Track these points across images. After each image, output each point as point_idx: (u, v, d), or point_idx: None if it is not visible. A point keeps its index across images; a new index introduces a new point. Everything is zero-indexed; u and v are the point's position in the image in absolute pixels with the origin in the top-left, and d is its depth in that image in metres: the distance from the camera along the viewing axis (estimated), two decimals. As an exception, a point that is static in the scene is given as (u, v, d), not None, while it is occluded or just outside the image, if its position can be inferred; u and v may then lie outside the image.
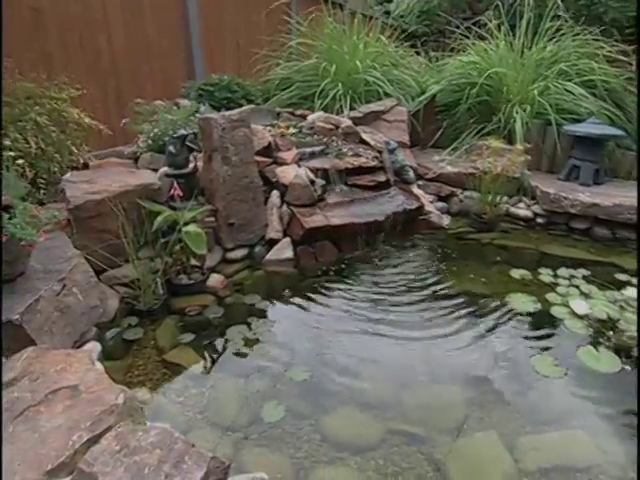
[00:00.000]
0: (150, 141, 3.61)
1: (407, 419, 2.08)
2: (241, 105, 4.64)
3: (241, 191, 3.30)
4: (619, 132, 4.61)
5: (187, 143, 3.19)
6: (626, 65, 5.29)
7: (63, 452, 1.45)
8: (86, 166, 3.42)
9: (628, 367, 2.45)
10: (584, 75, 5.01)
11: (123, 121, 3.74)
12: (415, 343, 2.62)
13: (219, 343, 2.54)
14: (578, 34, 5.34)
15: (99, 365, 2.08)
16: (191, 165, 3.24)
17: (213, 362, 2.41)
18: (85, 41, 4.06)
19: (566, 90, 4.85)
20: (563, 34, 5.33)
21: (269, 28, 5.84)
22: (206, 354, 2.46)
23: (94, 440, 1.47)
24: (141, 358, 2.43)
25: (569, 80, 4.95)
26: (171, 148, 3.11)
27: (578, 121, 4.70)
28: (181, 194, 2.92)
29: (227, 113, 3.26)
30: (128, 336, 2.58)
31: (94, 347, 2.37)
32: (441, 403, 2.21)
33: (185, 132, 3.15)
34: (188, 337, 2.58)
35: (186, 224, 2.87)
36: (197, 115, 3.76)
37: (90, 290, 2.51)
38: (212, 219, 3.24)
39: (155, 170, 3.37)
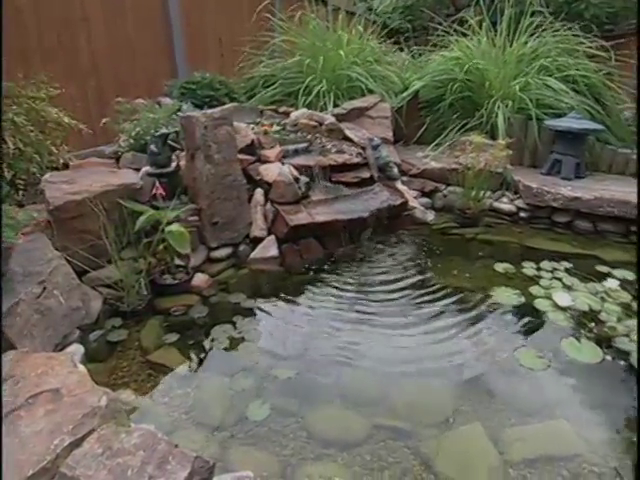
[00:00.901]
0: (131, 140, 3.57)
1: (393, 414, 2.09)
2: (224, 103, 4.60)
3: (224, 189, 3.27)
4: (599, 127, 4.68)
5: (169, 142, 3.16)
6: (605, 61, 5.37)
7: (44, 457, 1.43)
8: (66, 166, 3.37)
9: (609, 357, 2.49)
10: (564, 70, 5.06)
11: (103, 120, 3.69)
12: (400, 338, 2.63)
13: (204, 343, 2.53)
14: (558, 30, 5.39)
15: (82, 368, 2.05)
16: (173, 164, 3.22)
17: (198, 362, 2.39)
18: (64, 40, 4.00)
19: (547, 85, 4.90)
20: (544, 30, 5.38)
21: (252, 25, 5.80)
22: (191, 354, 2.44)
23: (76, 443, 1.45)
24: (125, 359, 2.41)
25: (550, 75, 5.01)
26: (153, 147, 3.07)
27: (559, 116, 4.75)
28: (163, 193, 2.88)
29: (209, 111, 3.24)
30: (112, 338, 2.56)
31: (76, 349, 2.34)
32: (427, 397, 2.23)
33: (167, 131, 3.12)
34: (173, 337, 2.56)
35: (169, 223, 2.84)
36: (179, 114, 3.72)
37: (72, 292, 2.48)
38: (196, 218, 3.21)
39: (137, 170, 3.33)
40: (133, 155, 3.53)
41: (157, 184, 2.89)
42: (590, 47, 5.28)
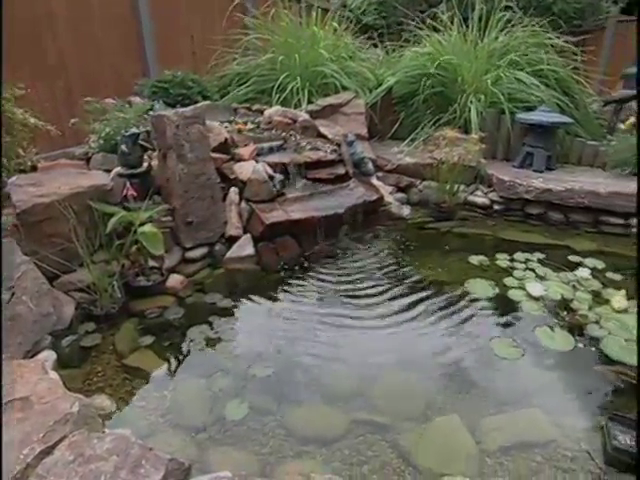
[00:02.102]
0: (102, 141, 3.49)
1: (372, 409, 2.10)
2: (197, 102, 4.55)
3: (198, 189, 3.24)
4: (568, 119, 4.78)
5: (140, 142, 3.10)
6: (573, 55, 5.48)
7: (14, 467, 1.39)
8: (34, 168, 3.28)
9: (581, 344, 2.55)
10: (534, 65, 5.15)
11: (72, 121, 3.60)
12: (377, 333, 2.65)
13: (180, 344, 2.50)
14: (527, 25, 5.48)
15: (53, 374, 2.00)
16: (145, 164, 3.16)
17: (175, 364, 2.36)
18: (29, 38, 3.89)
19: (518, 79, 4.98)
20: (513, 25, 5.46)
21: (225, 23, 5.73)
22: (167, 356, 2.41)
23: (47, 451, 1.42)
24: (100, 364, 2.37)
25: (520, 70, 5.09)
26: (123, 147, 3.02)
27: (530, 109, 4.84)
28: (135, 194, 2.84)
29: (180, 110, 3.20)
30: (86, 342, 2.50)
31: (48, 356, 2.29)
32: (404, 391, 2.25)
33: (137, 130, 3.07)
34: (148, 340, 2.53)
35: (142, 224, 2.80)
36: (151, 113, 3.66)
37: (42, 297, 2.42)
38: (169, 218, 3.17)
39: (108, 171, 3.26)
40: (104, 156, 3.45)
41: (128, 185, 2.84)
42: (559, 42, 5.39)
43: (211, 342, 2.51)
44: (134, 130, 3.08)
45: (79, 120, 3.62)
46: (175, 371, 2.32)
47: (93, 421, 1.69)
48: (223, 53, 5.52)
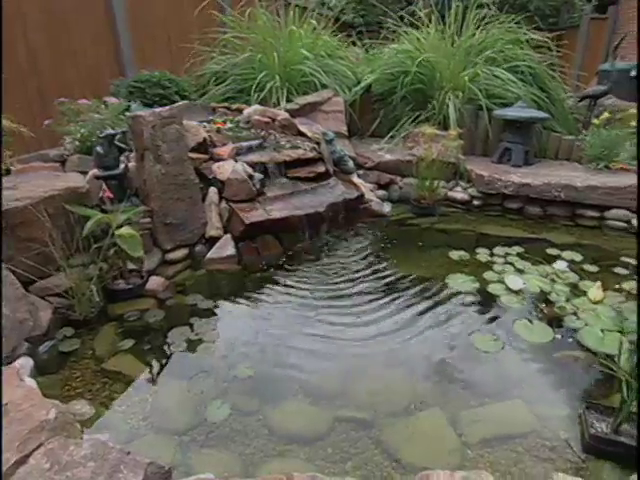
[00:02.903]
0: (77, 142, 3.44)
1: (355, 405, 2.10)
2: (174, 101, 4.51)
3: (177, 189, 3.20)
4: (545, 115, 4.86)
5: (116, 143, 3.06)
6: (548, 52, 5.57)
7: (-12, 476, 1.36)
8: (8, 172, 3.21)
9: (559, 336, 2.59)
10: (510, 61, 5.22)
11: (46, 122, 3.53)
12: (359, 330, 2.65)
13: (161, 347, 2.47)
14: (503, 22, 5.55)
15: (30, 381, 1.96)
16: (122, 165, 3.11)
17: (155, 367, 2.33)
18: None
19: (494, 76, 5.05)
20: (489, 22, 5.52)
21: (202, 21, 5.68)
22: (148, 359, 2.38)
23: (22, 461, 1.39)
24: (79, 369, 2.32)
25: (497, 66, 5.16)
26: (99, 149, 2.97)
27: (507, 105, 4.90)
28: (111, 196, 2.80)
29: (157, 110, 3.16)
30: (64, 348, 2.46)
31: (25, 363, 2.23)
32: (387, 386, 2.25)
33: (113, 131, 3.02)
34: (128, 343, 2.49)
35: (120, 227, 2.76)
36: (127, 113, 3.61)
37: (17, 303, 2.37)
38: (148, 220, 3.13)
39: (85, 173, 3.21)
40: (80, 158, 3.40)
41: (104, 187, 2.80)
42: (534, 39, 5.47)
43: (192, 344, 2.49)
44: (110, 131, 3.03)
45: (53, 122, 3.56)
46: (156, 374, 2.29)
47: (71, 427, 1.66)
48: (200, 52, 5.47)
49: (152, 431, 1.97)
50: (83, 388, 2.20)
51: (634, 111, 5.65)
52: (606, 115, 5.60)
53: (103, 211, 2.87)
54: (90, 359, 2.39)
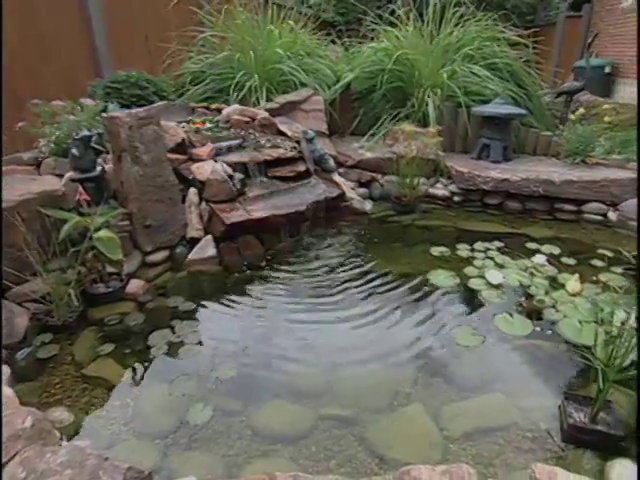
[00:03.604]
0: (52, 145, 3.38)
1: (338, 403, 2.11)
2: (152, 102, 4.45)
3: (156, 191, 3.17)
4: (522, 111, 4.93)
5: (92, 145, 3.00)
6: (524, 49, 5.65)
7: (-38, 488, 1.33)
8: (-19, 176, 3.14)
9: (538, 328, 2.63)
10: (488, 58, 5.28)
11: (19, 124, 3.46)
12: (341, 327, 2.66)
13: (142, 350, 2.44)
14: (480, 20, 5.61)
15: (6, 389, 1.92)
16: (99, 167, 3.07)
17: (136, 371, 2.30)
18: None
19: (472, 73, 5.10)
20: (467, 20, 5.57)
21: (180, 20, 5.62)
22: (128, 363, 2.35)
23: (-3, 470, 1.36)
24: (57, 376, 2.28)
25: (475, 63, 5.21)
26: (74, 151, 2.91)
27: (485, 102, 4.96)
28: (88, 199, 2.75)
29: (134, 111, 3.12)
30: (42, 354, 2.41)
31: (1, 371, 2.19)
32: (369, 383, 2.26)
33: (89, 133, 2.97)
34: (108, 348, 2.45)
35: (98, 230, 2.72)
36: (104, 115, 3.56)
37: (-8, 310, 2.32)
38: (127, 222, 3.09)
39: (61, 175, 3.15)
40: (55, 160, 3.34)
41: (80, 189, 2.75)
42: (511, 35, 5.53)
43: (174, 346, 2.46)
44: (85, 132, 2.98)
45: (28, 123, 3.48)
46: (137, 378, 2.26)
47: (48, 435, 1.63)
48: (179, 51, 5.42)
49: (134, 436, 1.95)
50: (62, 394, 2.16)
51: (608, 106, 5.78)
52: (582, 111, 5.71)
53: (80, 214, 2.82)
54: (69, 365, 2.35)
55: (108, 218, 2.82)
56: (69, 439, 1.87)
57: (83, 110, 3.66)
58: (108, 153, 3.29)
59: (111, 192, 3.18)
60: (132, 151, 3.05)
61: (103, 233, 2.70)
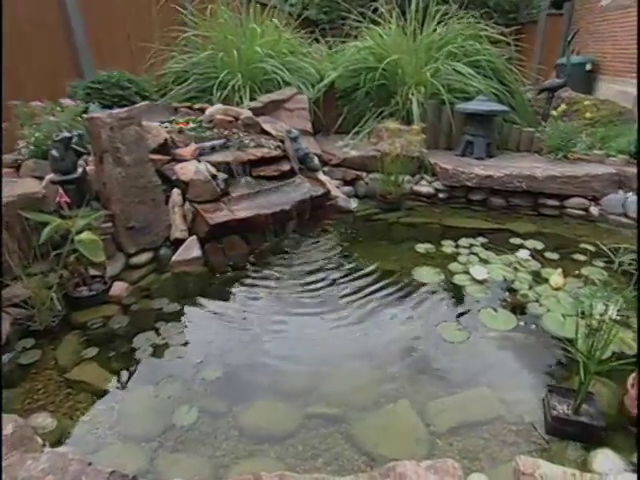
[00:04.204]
0: (32, 147, 3.32)
1: (324, 402, 2.11)
2: (135, 102, 4.42)
3: (139, 192, 3.14)
4: (505, 108, 4.97)
5: (73, 146, 2.96)
6: (507, 46, 5.70)
7: (-59, 497, 1.31)
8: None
9: (522, 323, 2.66)
10: (471, 56, 5.31)
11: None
12: (328, 326, 2.66)
13: (126, 353, 2.42)
14: (462, 17, 5.64)
15: (-13, 396, 1.90)
16: (80, 169, 3.03)
17: (121, 374, 2.28)
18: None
19: (456, 70, 5.13)
20: (450, 18, 5.60)
21: (162, 20, 5.56)
22: (113, 367, 2.32)
23: (-24, 478, 1.34)
24: (40, 381, 2.25)
25: (458, 61, 5.24)
26: (54, 152, 2.87)
27: (468, 99, 4.99)
28: (68, 201, 2.70)
29: (115, 111, 3.09)
30: (24, 360, 2.37)
31: (-18, 377, 2.16)
32: (356, 381, 2.26)
33: (69, 134, 2.93)
34: (92, 352, 2.42)
35: (79, 232, 2.68)
36: (85, 116, 3.51)
37: (-29, 316, 2.28)
38: (109, 224, 3.06)
39: (41, 178, 3.11)
40: (35, 162, 3.28)
41: (60, 191, 2.71)
42: (493, 33, 5.58)
43: (159, 349, 2.44)
44: (65, 134, 2.93)
45: (6, 125, 3.42)
46: (122, 381, 2.24)
47: (30, 442, 1.61)
48: (161, 51, 5.36)
49: (119, 440, 1.93)
50: (45, 400, 2.13)
51: (589, 103, 5.86)
52: (563, 107, 5.79)
53: (62, 217, 2.78)
54: (52, 370, 2.32)
55: (90, 220, 2.79)
56: (52, 445, 1.85)
57: (63, 111, 3.61)
58: (89, 154, 3.25)
59: (93, 194, 3.14)
60: (114, 152, 3.02)
61: (85, 235, 2.66)
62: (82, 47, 4.85)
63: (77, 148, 3.03)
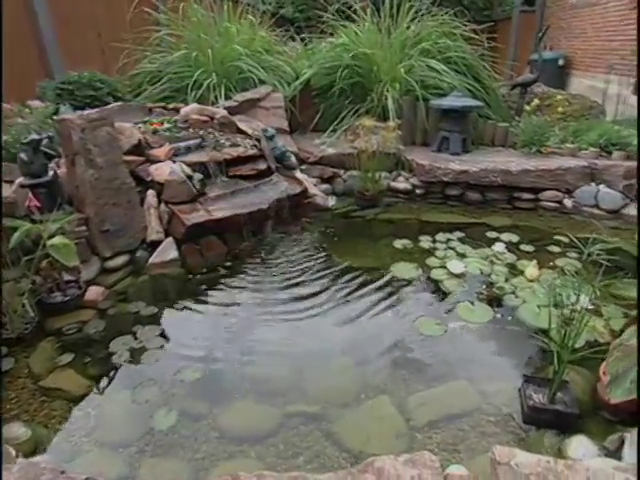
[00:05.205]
0: None
1: (304, 400, 2.11)
2: (107, 103, 4.35)
3: (113, 194, 3.08)
4: (479, 103, 5.03)
5: (43, 149, 2.90)
6: (481, 42, 5.76)
7: None
8: None
9: (499, 315, 2.70)
10: (444, 52, 5.36)
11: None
12: (306, 322, 2.66)
13: (103, 358, 2.37)
14: (436, 14, 5.68)
15: (-43, 407, 1.85)
16: (51, 172, 2.96)
17: (97, 379, 2.23)
18: None
19: (430, 67, 5.16)
20: (423, 15, 5.64)
21: (134, 18, 5.47)
22: (89, 372, 2.28)
23: (-56, 493, 1.30)
24: (13, 390, 2.19)
25: (432, 58, 5.28)
26: (23, 156, 2.80)
27: (443, 95, 5.03)
28: (38, 205, 2.65)
29: (85, 112, 3.03)
30: (-4, 369, 2.32)
31: (-49, 388, 2.09)
32: (336, 378, 2.27)
33: (37, 136, 2.86)
34: (67, 358, 2.37)
35: (51, 237, 2.62)
36: (54, 117, 3.44)
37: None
38: (83, 228, 3.00)
39: (11, 182, 3.03)
40: (5, 166, 3.20)
41: (30, 195, 2.65)
42: (466, 30, 5.63)
43: (136, 352, 2.40)
44: (34, 136, 2.86)
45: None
46: (98, 387, 2.20)
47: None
48: (134, 51, 5.27)
49: (96, 446, 1.90)
50: (19, 409, 2.08)
51: (561, 97, 5.98)
52: (536, 102, 5.89)
53: (33, 221, 2.72)
54: (26, 378, 2.27)
55: (62, 224, 2.72)
56: (27, 455, 1.80)
57: (32, 113, 3.53)
58: (60, 157, 3.18)
59: (65, 197, 3.07)
60: (86, 154, 2.96)
61: (57, 240, 2.60)
62: (51, 46, 4.75)
63: (47, 151, 2.96)
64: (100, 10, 5.41)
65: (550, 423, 1.93)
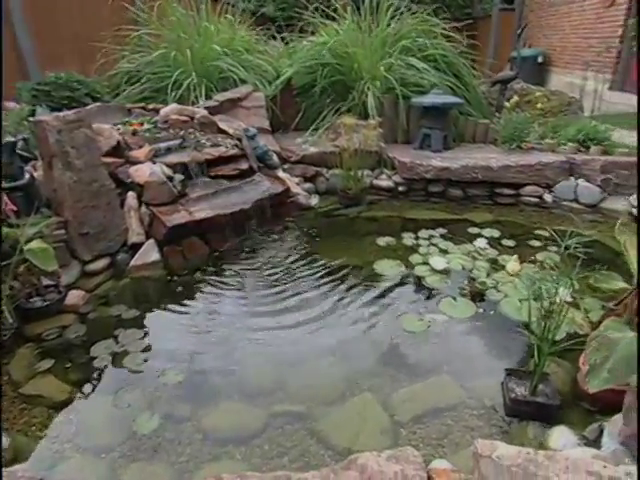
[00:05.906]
0: (-26, 153, 3.17)
1: (289, 399, 2.11)
2: (86, 104, 4.27)
3: (92, 197, 3.04)
4: (459, 100, 5.07)
5: (18, 151, 2.84)
6: (460, 40, 5.80)
7: None
8: None
9: (481, 310, 2.73)
10: (424, 50, 5.39)
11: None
12: (289, 321, 2.66)
13: (84, 363, 2.34)
14: (416, 12, 5.71)
15: None
16: (27, 175, 2.90)
17: (78, 385, 2.20)
18: None
19: (410, 65, 5.19)
20: (403, 13, 5.66)
21: (111, 18, 5.39)
22: (70, 378, 2.24)
23: None
24: (-8, 398, 2.15)
25: (412, 56, 5.30)
26: (-3, 158, 2.75)
27: (423, 93, 5.06)
28: (14, 209, 2.60)
29: (62, 114, 2.97)
30: (-26, 377, 2.27)
31: None
32: (320, 377, 2.27)
33: (12, 139, 2.80)
34: (47, 364, 2.33)
35: (29, 241, 2.57)
36: (30, 119, 3.37)
37: None
38: (62, 231, 2.94)
39: (-14, 186, 2.97)
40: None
41: (5, 199, 2.59)
42: (445, 28, 5.67)
43: (117, 356, 2.37)
44: (9, 139, 2.81)
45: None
46: (79, 392, 2.17)
47: (-21, 461, 1.53)
48: (112, 50, 5.20)
49: (78, 453, 1.87)
50: (-3, 417, 2.04)
51: (540, 94, 6.06)
52: (516, 99, 5.96)
53: (10, 226, 2.66)
54: (5, 385, 2.22)
55: (40, 228, 2.68)
56: (6, 465, 1.76)
57: (7, 115, 3.46)
58: (37, 159, 3.13)
59: (43, 200, 3.02)
60: (63, 156, 2.91)
61: (35, 244, 2.56)
62: (26, 46, 4.66)
63: (23, 153, 2.91)
64: (74, 9, 5.31)
65: (532, 415, 1.95)
